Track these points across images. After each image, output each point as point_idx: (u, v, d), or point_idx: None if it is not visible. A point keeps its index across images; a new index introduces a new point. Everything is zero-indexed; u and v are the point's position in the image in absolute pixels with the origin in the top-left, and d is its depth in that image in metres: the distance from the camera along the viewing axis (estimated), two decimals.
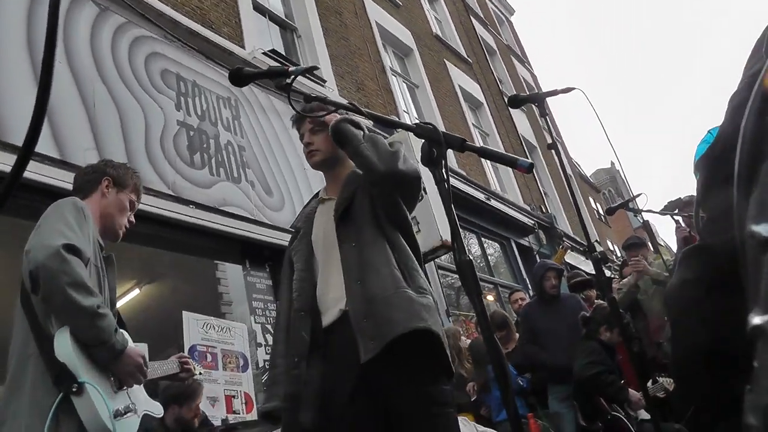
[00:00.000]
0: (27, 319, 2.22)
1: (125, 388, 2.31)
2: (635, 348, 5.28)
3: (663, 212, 5.44)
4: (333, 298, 2.42)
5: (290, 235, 2.82)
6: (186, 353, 5.43)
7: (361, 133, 2.42)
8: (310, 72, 2.06)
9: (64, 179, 4.76)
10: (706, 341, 1.06)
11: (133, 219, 2.85)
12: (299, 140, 2.75)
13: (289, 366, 2.39)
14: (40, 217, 2.40)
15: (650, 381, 5.08)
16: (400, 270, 2.35)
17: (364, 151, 2.34)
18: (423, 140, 1.68)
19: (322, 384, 2.30)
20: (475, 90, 16.02)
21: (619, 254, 21.77)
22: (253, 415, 5.79)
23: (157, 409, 2.55)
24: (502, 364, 1.47)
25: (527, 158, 1.65)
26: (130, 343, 2.36)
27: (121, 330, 2.33)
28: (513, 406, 1.44)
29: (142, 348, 2.54)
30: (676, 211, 5.46)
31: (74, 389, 2.02)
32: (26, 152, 0.68)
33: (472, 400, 6.18)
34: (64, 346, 2.09)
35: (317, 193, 2.88)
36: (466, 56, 16.66)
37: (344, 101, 1.93)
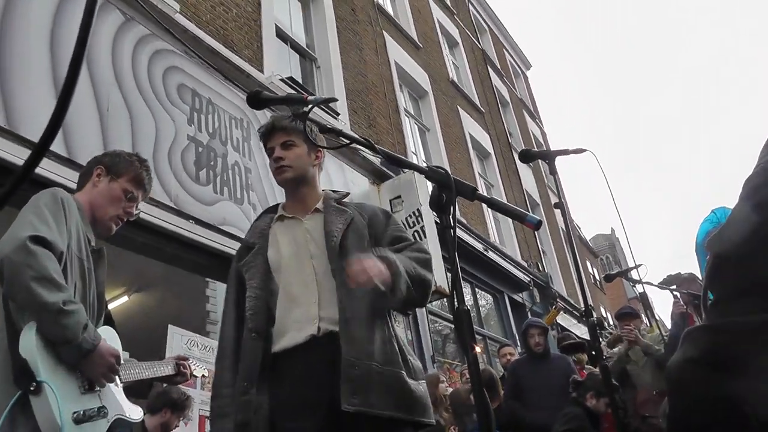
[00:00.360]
0: (3, 311, 2.12)
1: (97, 389, 2.17)
2: (623, 419, 5.23)
3: (662, 286, 5.42)
4: (296, 321, 2.30)
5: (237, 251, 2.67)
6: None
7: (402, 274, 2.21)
8: (328, 103, 2.05)
9: (69, 177, 4.77)
10: (704, 423, 1.05)
11: (132, 210, 2.63)
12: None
13: (238, 392, 2.23)
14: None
15: None
16: (396, 340, 2.32)
17: (411, 295, 2.23)
18: (433, 184, 1.67)
19: (272, 412, 2.18)
20: (485, 140, 16.12)
21: (611, 321, 21.69)
22: None
23: (135, 413, 2.38)
24: (488, 418, 1.45)
25: (536, 216, 1.64)
26: (104, 341, 2.17)
27: (99, 327, 2.24)
28: None
29: (116, 346, 2.32)
30: (675, 287, 5.44)
31: (32, 388, 1.92)
32: (40, 150, 0.67)
33: None
34: (27, 342, 1.99)
35: (270, 209, 2.75)
36: (479, 105, 16.80)
37: (358, 137, 1.93)
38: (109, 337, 2.22)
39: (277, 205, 2.74)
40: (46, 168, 4.60)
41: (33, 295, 1.95)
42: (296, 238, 2.51)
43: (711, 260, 1.20)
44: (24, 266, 1.96)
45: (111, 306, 9.21)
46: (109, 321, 2.51)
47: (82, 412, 2.02)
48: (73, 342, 2.02)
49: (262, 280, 2.42)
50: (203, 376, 3.12)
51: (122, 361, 2.31)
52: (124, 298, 8.43)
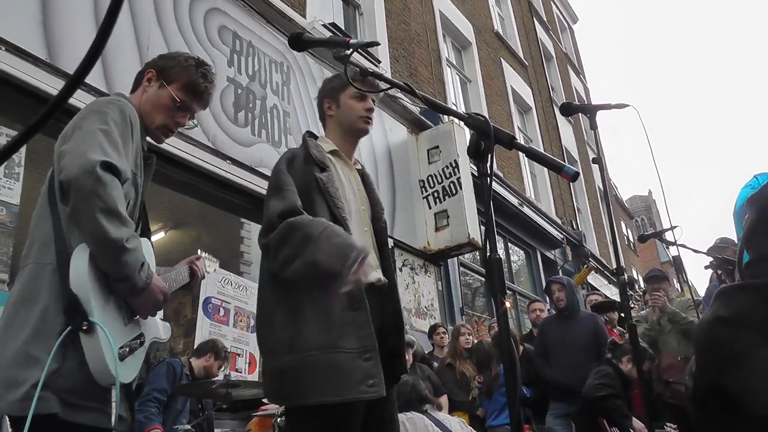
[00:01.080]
0: (51, 223, 2.01)
1: (137, 317, 2.10)
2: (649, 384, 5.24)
3: (696, 249, 5.33)
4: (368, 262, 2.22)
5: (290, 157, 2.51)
6: (201, 303, 5.50)
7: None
8: (370, 47, 2.01)
9: None
10: (729, 384, 1.04)
11: (183, 121, 2.34)
12: (357, 100, 2.67)
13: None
14: (80, 113, 2.12)
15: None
16: None
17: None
18: (472, 131, 1.66)
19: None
20: (527, 93, 15.88)
21: (641, 285, 21.57)
22: (254, 376, 5.84)
23: (165, 331, 2.33)
24: (514, 367, 1.46)
25: (573, 167, 1.62)
26: (154, 275, 2.08)
27: (148, 262, 2.05)
28: (517, 412, 1.43)
29: (151, 260, 2.17)
30: (708, 251, 5.36)
31: (84, 327, 1.83)
32: (75, 81, 0.68)
33: (471, 399, 6.17)
34: (79, 274, 1.88)
35: (312, 134, 2.72)
36: (522, 58, 16.51)
37: (400, 82, 1.91)
38: (146, 251, 2.07)
39: (313, 134, 2.73)
40: (84, 101, 4.65)
41: (99, 228, 1.83)
42: (352, 184, 2.61)
43: (750, 220, 1.18)
44: (93, 195, 1.82)
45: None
46: (146, 231, 2.36)
47: (127, 348, 1.99)
48: (130, 281, 1.93)
49: (340, 207, 2.38)
50: (215, 270, 3.01)
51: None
52: (161, 234, 8.57)
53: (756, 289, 1.06)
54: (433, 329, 7.27)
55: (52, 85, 4.51)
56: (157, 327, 2.29)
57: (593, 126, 2.89)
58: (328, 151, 2.60)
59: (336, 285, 2.06)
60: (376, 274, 2.40)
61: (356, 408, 2.20)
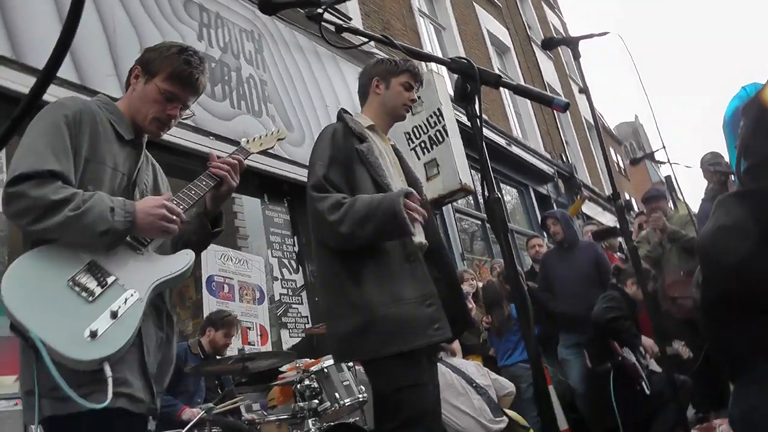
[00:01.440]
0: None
1: (113, 279, 1.92)
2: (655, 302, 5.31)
3: (687, 165, 5.36)
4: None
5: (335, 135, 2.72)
6: (204, 283, 5.50)
7: None
8: (341, 2, 2.00)
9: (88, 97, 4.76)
10: (738, 288, 1.04)
11: (174, 112, 2.27)
12: (382, 86, 2.92)
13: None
14: None
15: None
16: None
17: None
18: (457, 75, 1.64)
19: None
20: (503, 34, 15.72)
21: (636, 207, 21.66)
22: (267, 347, 5.88)
23: (180, 262, 2.16)
24: (525, 302, 1.47)
25: (562, 98, 1.62)
26: (142, 201, 2.03)
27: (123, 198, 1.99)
28: (534, 346, 1.44)
29: (177, 196, 2.19)
30: (701, 164, 5.39)
31: (29, 344, 1.73)
32: (47, 76, 0.66)
33: (482, 341, 6.23)
34: (4, 296, 1.76)
35: (350, 115, 2.90)
36: None
37: (377, 34, 1.88)
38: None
39: (347, 111, 2.98)
40: (57, 96, 4.59)
41: (37, 217, 1.83)
42: (389, 156, 2.85)
43: (745, 127, 1.17)
44: (18, 215, 1.86)
45: None
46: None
47: (96, 328, 1.81)
48: (107, 233, 1.88)
49: (381, 175, 2.62)
50: (273, 144, 2.81)
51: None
52: None
53: (754, 195, 1.06)
54: None
55: (21, 83, 4.43)
56: (167, 264, 2.13)
57: (576, 56, 2.88)
58: (366, 126, 2.82)
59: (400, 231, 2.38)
60: (418, 237, 2.61)
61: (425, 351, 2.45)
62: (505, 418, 4.41)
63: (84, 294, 1.86)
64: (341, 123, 2.78)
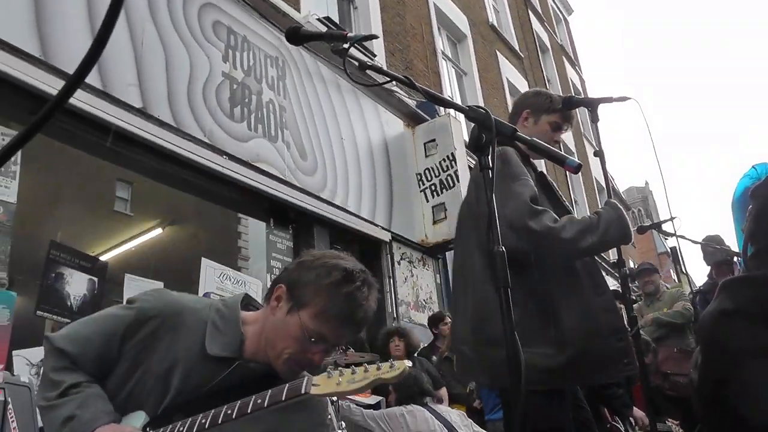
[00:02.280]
0: None
1: None
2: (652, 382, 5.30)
3: (694, 240, 5.36)
4: None
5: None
6: None
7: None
8: (368, 40, 2.00)
9: (103, 109, 4.82)
10: (733, 375, 1.03)
11: (319, 357, 1.77)
12: (533, 124, 2.99)
13: None
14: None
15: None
16: None
17: None
18: (473, 124, 1.65)
19: None
20: (523, 86, 15.84)
21: None
22: None
23: None
24: (518, 360, 1.45)
25: (575, 159, 1.62)
26: (111, 425, 1.68)
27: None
28: (522, 404, 1.42)
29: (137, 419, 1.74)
30: (706, 242, 5.40)
31: None
32: (76, 81, 0.67)
33: (468, 391, 6.16)
34: None
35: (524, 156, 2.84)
36: (518, 50, 16.47)
37: (399, 75, 1.90)
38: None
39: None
40: (80, 99, 4.65)
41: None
42: None
43: (754, 210, 1.17)
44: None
45: (145, 237, 9.43)
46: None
47: None
48: None
49: (564, 201, 2.91)
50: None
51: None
52: (158, 231, 8.57)
53: (760, 281, 1.05)
54: (439, 319, 7.14)
55: (48, 83, 4.48)
56: None
57: (594, 119, 2.88)
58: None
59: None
60: None
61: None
62: None
63: None
64: (511, 149, 2.66)
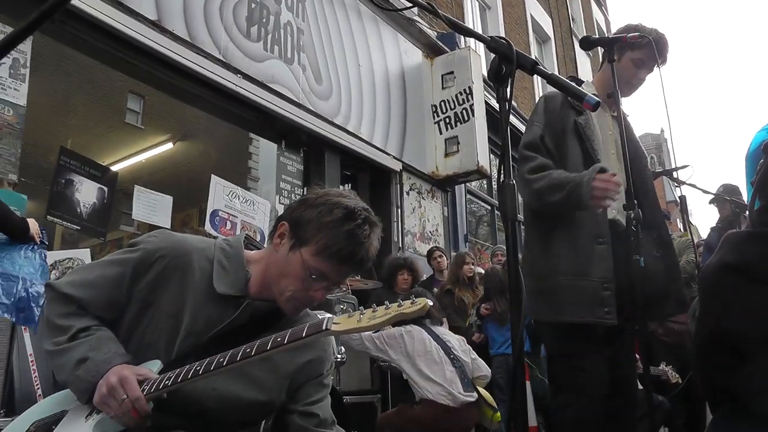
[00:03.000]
0: None
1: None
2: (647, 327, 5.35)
3: (705, 190, 5.32)
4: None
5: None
6: (208, 215, 5.52)
7: None
8: None
9: (116, 18, 4.76)
10: (734, 328, 1.04)
11: (320, 294, 1.79)
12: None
13: None
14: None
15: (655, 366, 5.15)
16: None
17: None
18: (494, 55, 1.62)
19: None
20: (546, 23, 15.54)
21: None
22: None
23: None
24: (519, 294, 1.46)
25: (594, 96, 1.60)
26: (122, 365, 1.67)
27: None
28: (520, 338, 1.43)
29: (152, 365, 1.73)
30: (718, 193, 5.37)
31: None
32: None
33: (467, 325, 6.22)
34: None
35: (580, 84, 3.04)
36: None
37: (422, 1, 1.86)
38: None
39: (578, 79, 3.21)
40: (94, 7, 4.59)
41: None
42: (606, 130, 3.00)
43: (764, 165, 1.15)
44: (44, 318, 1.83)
45: (156, 151, 9.45)
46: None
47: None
48: (67, 384, 1.72)
49: (596, 149, 2.84)
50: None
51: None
52: (169, 145, 8.57)
53: (764, 238, 1.04)
54: (429, 253, 7.28)
55: None
56: None
57: (611, 59, 2.85)
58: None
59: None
60: (612, 213, 2.75)
61: (595, 330, 2.59)
62: (474, 393, 4.43)
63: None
64: (560, 93, 2.79)
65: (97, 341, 1.69)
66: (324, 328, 1.51)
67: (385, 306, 1.49)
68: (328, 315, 1.62)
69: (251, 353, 1.56)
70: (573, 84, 1.64)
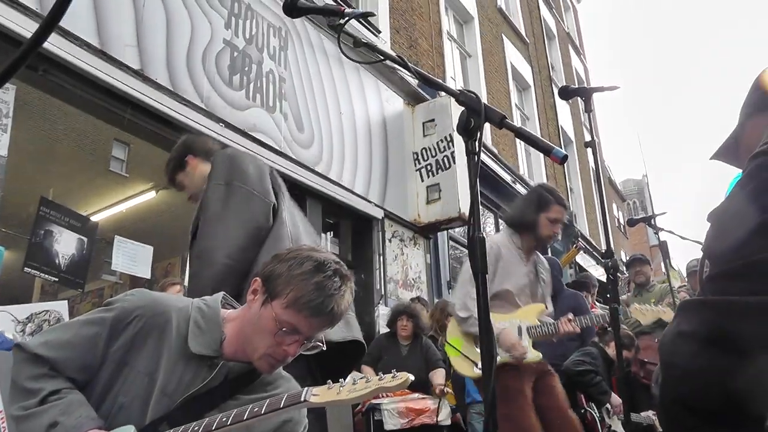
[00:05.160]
0: None
1: None
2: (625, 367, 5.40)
3: (683, 236, 5.43)
4: None
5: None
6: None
7: None
8: (365, 17, 1.99)
9: (99, 67, 4.79)
10: (691, 394, 1.07)
11: (293, 348, 1.80)
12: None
13: None
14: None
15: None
16: None
17: None
18: (462, 108, 1.65)
19: None
20: (526, 71, 15.79)
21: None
22: None
23: None
24: (490, 346, 1.47)
25: (562, 150, 1.63)
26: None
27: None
28: (492, 391, 1.44)
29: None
30: (696, 240, 5.46)
31: None
32: (49, 24, 0.67)
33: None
34: None
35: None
36: (524, 35, 16.38)
37: (393, 54, 1.90)
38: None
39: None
40: (77, 56, 4.62)
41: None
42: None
43: (711, 231, 1.18)
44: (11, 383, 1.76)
45: (139, 200, 9.39)
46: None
47: None
48: None
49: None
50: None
51: None
52: (152, 194, 8.54)
53: (715, 307, 1.07)
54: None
55: (23, 26, 4.35)
56: None
57: (588, 109, 2.91)
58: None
59: None
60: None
61: None
62: None
63: None
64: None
65: (67, 405, 1.66)
66: (303, 399, 1.52)
67: (365, 379, 1.50)
68: (306, 387, 1.63)
69: (227, 422, 1.56)
70: (540, 138, 1.67)
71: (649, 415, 5.29)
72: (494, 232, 11.83)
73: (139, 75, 5.17)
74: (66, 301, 4.43)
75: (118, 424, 1.70)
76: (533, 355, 3.68)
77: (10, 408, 1.71)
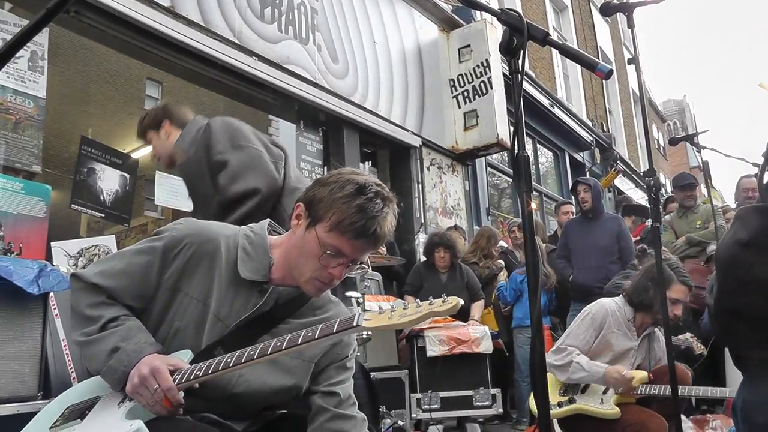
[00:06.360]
0: None
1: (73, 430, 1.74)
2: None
3: (727, 154, 5.29)
4: None
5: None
6: None
7: None
8: None
9: (130, 6, 4.78)
10: (748, 304, 1.05)
11: (339, 270, 1.80)
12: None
13: None
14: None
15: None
16: None
17: None
18: (504, 27, 1.62)
19: None
20: None
21: (668, 189, 21.37)
22: None
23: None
24: (536, 267, 1.47)
25: (607, 65, 1.59)
26: (154, 355, 1.70)
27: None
28: (538, 309, 1.45)
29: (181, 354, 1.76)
30: (742, 156, 5.33)
31: None
32: None
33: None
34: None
35: None
36: None
37: None
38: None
39: None
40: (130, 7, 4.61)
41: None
42: None
43: None
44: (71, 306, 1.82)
45: None
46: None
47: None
48: (100, 373, 1.74)
49: None
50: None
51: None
52: None
53: None
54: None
55: None
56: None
57: (631, 25, 2.82)
58: None
59: None
60: None
61: None
62: None
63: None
64: None
65: (127, 331, 1.72)
66: (355, 324, 1.53)
67: (416, 304, 1.50)
68: (359, 311, 1.66)
69: (282, 347, 1.59)
70: (584, 53, 1.63)
71: (687, 338, 5.26)
72: (531, 158, 11.72)
73: (170, 12, 5.14)
74: (114, 236, 4.53)
75: (174, 348, 1.76)
76: (612, 411, 3.50)
77: (73, 334, 1.78)
